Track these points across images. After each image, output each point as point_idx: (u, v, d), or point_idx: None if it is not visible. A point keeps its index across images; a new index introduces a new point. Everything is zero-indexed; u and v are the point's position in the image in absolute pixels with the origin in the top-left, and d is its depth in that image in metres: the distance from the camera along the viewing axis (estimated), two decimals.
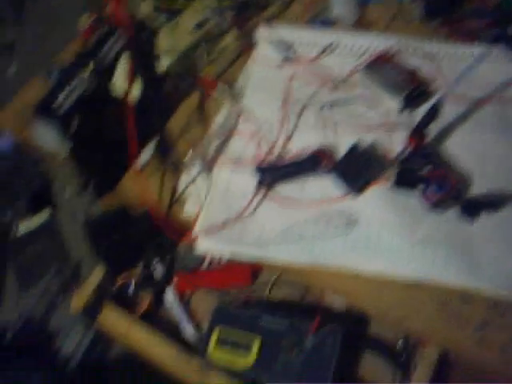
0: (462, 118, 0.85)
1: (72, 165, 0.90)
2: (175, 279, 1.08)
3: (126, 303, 1.08)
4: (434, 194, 0.76)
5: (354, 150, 0.83)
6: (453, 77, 0.93)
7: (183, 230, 0.90)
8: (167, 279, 1.11)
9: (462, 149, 0.84)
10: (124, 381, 1.37)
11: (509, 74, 0.93)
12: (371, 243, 0.79)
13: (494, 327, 0.72)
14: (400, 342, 0.90)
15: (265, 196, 0.86)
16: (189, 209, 0.89)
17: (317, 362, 0.86)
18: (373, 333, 0.94)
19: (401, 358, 0.88)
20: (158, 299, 1.17)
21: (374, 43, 1.00)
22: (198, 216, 0.87)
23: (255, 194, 0.85)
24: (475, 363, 0.72)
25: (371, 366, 0.91)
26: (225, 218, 0.85)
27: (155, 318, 1.08)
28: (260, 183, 0.86)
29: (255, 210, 0.85)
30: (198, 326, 1.06)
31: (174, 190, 0.91)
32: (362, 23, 1.07)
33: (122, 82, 0.92)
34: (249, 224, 0.84)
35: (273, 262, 0.82)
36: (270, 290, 1.12)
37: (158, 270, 1.15)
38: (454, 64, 0.96)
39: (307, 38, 1.03)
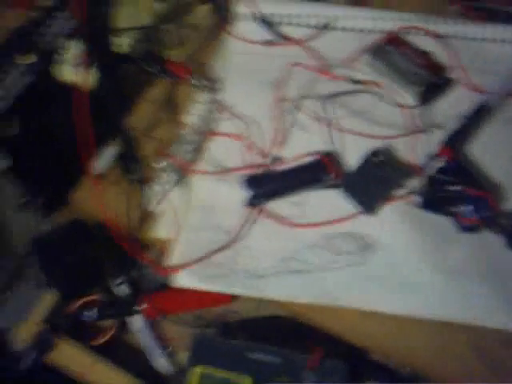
0: (496, 122, 0.70)
1: (12, 179, 0.70)
2: (143, 302, 0.91)
3: (84, 333, 0.91)
4: (469, 216, 0.61)
5: (367, 160, 0.67)
6: (471, 64, 0.78)
7: (156, 254, 0.73)
8: (134, 302, 0.94)
9: (500, 161, 0.69)
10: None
11: None
12: (392, 273, 0.64)
13: None
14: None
15: (257, 216, 0.69)
16: (161, 228, 0.71)
17: None
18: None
19: None
20: (124, 326, 1.00)
21: (378, 21, 0.83)
22: (173, 239, 0.69)
23: (246, 213, 0.68)
24: None
25: None
26: (208, 243, 0.68)
27: (120, 348, 0.92)
28: (250, 200, 0.69)
29: (246, 233, 0.68)
30: (170, 355, 0.90)
31: (142, 203, 0.73)
32: None
33: (72, 69, 0.72)
34: (239, 252, 0.67)
35: (271, 299, 0.65)
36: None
37: (123, 291, 0.97)
38: (471, 48, 0.81)
39: (297, 14, 0.85)
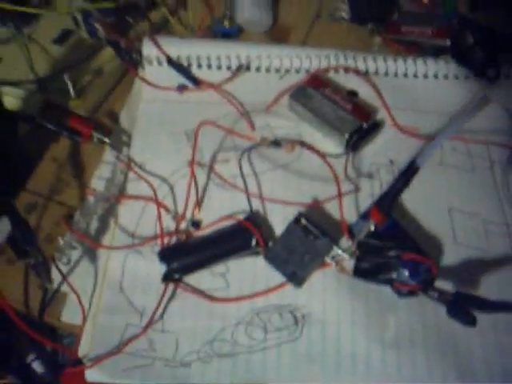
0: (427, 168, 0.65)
1: None
2: (61, 381, 0.81)
3: None
4: (405, 282, 0.56)
5: (290, 227, 0.60)
6: (396, 102, 0.73)
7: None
8: (50, 382, 0.84)
9: (432, 216, 0.64)
10: None
11: (462, 96, 0.75)
12: (327, 348, 0.58)
13: None
14: None
15: (175, 292, 0.61)
16: (68, 313, 0.62)
17: None
18: None
19: None
20: None
21: (296, 59, 0.77)
22: (80, 325, 0.60)
23: (163, 292, 0.60)
24: None
25: None
26: (121, 328, 0.59)
27: None
28: (166, 274, 0.61)
29: (163, 314, 0.60)
30: None
31: (44, 286, 0.63)
32: (275, 32, 0.84)
33: None
34: (157, 336, 0.59)
35: None
36: None
37: (37, 369, 0.87)
38: (393, 85, 0.76)
39: (209, 55, 0.77)
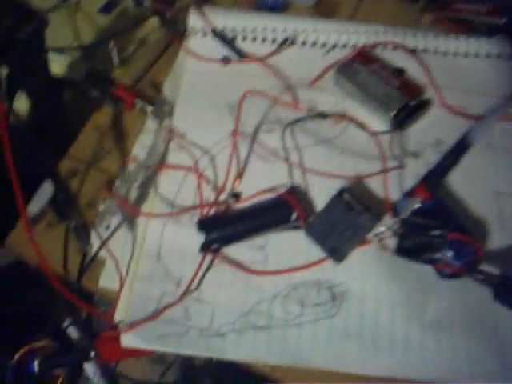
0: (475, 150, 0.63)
1: None
2: (95, 346, 0.82)
3: None
4: (450, 263, 0.54)
5: (333, 201, 0.59)
6: (445, 81, 0.71)
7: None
8: (84, 347, 0.85)
9: (482, 196, 0.62)
10: None
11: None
12: (364, 328, 0.57)
13: None
14: None
15: (213, 263, 0.61)
16: (104, 278, 0.63)
17: None
18: None
19: None
20: (75, 374, 0.91)
21: (343, 34, 0.75)
22: (118, 291, 0.60)
23: (201, 261, 0.60)
24: None
25: None
26: (158, 296, 0.59)
27: None
28: (204, 244, 0.61)
29: (200, 284, 0.60)
30: None
31: (84, 249, 0.64)
32: (323, 6, 0.82)
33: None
34: (192, 306, 0.59)
35: (230, 360, 0.57)
36: None
37: (71, 335, 0.88)
38: (445, 64, 0.74)
39: (255, 28, 0.76)
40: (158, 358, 0.96)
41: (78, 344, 0.87)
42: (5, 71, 0.58)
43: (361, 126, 0.66)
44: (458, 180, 0.63)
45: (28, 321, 0.81)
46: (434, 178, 0.55)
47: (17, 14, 0.59)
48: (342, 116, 0.66)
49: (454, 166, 0.54)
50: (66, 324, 0.86)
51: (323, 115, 0.65)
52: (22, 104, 0.67)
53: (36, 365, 0.65)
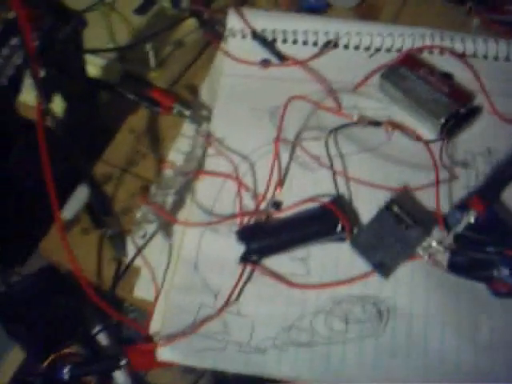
0: None
1: None
2: (125, 354, 0.80)
3: None
4: (506, 282, 0.51)
5: (381, 213, 0.56)
6: (495, 88, 0.67)
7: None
8: (114, 355, 0.83)
9: None
10: None
11: None
12: (413, 347, 0.54)
13: None
14: None
15: (252, 275, 0.58)
16: (141, 287, 0.61)
17: None
18: None
19: None
20: (105, 382, 0.90)
21: (388, 37, 0.72)
22: (154, 301, 0.58)
23: (241, 273, 0.58)
24: None
25: None
26: (195, 308, 0.57)
27: None
28: (244, 255, 0.58)
29: (239, 296, 0.57)
30: None
31: (119, 257, 0.62)
32: (365, 8, 0.79)
33: (33, 99, 0.61)
34: (232, 319, 0.56)
35: (271, 376, 0.55)
36: None
37: (102, 341, 0.87)
38: (495, 69, 0.70)
39: (295, 30, 0.73)
40: (189, 368, 0.94)
41: (108, 351, 0.85)
42: (42, 72, 0.57)
43: (410, 133, 0.62)
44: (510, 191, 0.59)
45: (58, 327, 0.79)
46: (492, 190, 0.52)
47: (55, 14, 0.57)
48: (393, 124, 0.63)
49: None
50: (95, 331, 0.85)
51: (375, 123, 0.62)
52: (57, 106, 0.66)
53: (66, 372, 0.63)
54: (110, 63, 0.74)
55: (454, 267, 0.53)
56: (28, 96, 0.65)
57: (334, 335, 0.55)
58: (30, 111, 0.66)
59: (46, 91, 0.58)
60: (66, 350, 0.82)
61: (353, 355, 0.54)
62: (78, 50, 0.64)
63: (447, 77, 0.68)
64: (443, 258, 0.55)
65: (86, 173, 0.58)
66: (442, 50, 0.71)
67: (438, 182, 0.59)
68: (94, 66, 0.73)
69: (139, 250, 0.61)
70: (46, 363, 0.80)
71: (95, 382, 0.84)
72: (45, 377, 0.78)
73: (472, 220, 0.53)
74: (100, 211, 0.57)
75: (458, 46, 0.71)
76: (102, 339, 0.86)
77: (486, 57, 0.71)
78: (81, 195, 0.66)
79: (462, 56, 0.70)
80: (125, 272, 0.62)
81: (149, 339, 0.58)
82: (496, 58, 0.71)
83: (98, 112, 0.70)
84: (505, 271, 0.52)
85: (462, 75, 0.70)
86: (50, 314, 0.76)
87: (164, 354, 0.55)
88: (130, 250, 0.62)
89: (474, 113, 0.65)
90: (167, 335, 0.56)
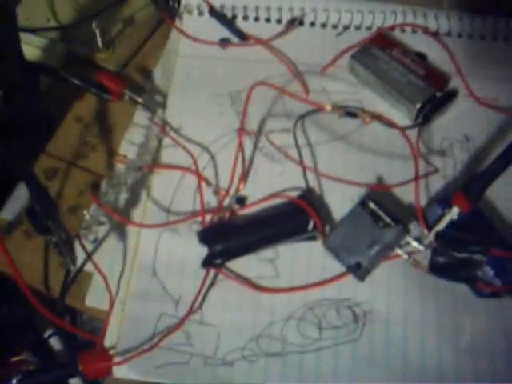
0: None
1: None
2: (80, 360, 0.74)
3: None
4: (490, 282, 0.47)
5: (354, 211, 0.52)
6: (472, 70, 0.64)
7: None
8: (68, 361, 0.78)
9: None
10: None
11: None
12: (392, 353, 0.50)
13: None
14: None
15: (216, 279, 0.53)
16: (93, 295, 0.55)
17: None
18: None
19: None
20: None
21: (357, 14, 0.67)
22: (107, 311, 0.52)
23: (204, 278, 0.52)
24: None
25: None
26: (155, 318, 0.52)
27: None
28: (207, 259, 0.53)
29: (202, 303, 0.52)
30: None
31: (63, 263, 0.56)
32: None
33: None
34: (196, 331, 0.51)
35: None
36: None
37: (55, 347, 0.81)
38: (471, 48, 0.66)
39: (257, 6, 0.68)
40: None
41: (62, 357, 0.79)
42: None
43: (391, 123, 0.58)
44: (497, 189, 0.54)
45: (4, 336, 0.73)
46: (477, 187, 0.47)
47: None
48: (371, 115, 0.58)
49: (504, 171, 0.46)
50: (47, 335, 0.78)
51: (352, 113, 0.57)
52: None
53: (14, 383, 0.56)
54: (51, 44, 0.67)
55: (435, 268, 0.49)
56: None
57: (307, 343, 0.51)
58: None
59: None
60: (15, 358, 0.76)
61: (328, 364, 0.50)
62: (13, 30, 0.56)
63: (421, 57, 0.64)
64: (424, 257, 0.51)
65: (25, 169, 0.51)
66: (415, 28, 0.66)
67: (417, 176, 0.54)
68: (33, 48, 0.66)
69: (89, 256, 0.55)
70: None
71: None
72: None
73: (455, 217, 0.48)
74: (44, 216, 0.50)
75: (432, 24, 0.67)
76: (55, 343, 0.80)
77: (460, 35, 0.67)
78: (20, 195, 0.59)
79: (435, 34, 0.67)
80: (74, 279, 0.56)
81: (104, 351, 0.53)
82: (471, 36, 0.67)
83: (39, 99, 0.63)
84: (490, 272, 0.48)
85: (435, 55, 0.66)
86: None
87: (121, 372, 0.50)
88: (80, 254, 0.56)
89: (450, 97, 0.61)
90: (124, 350, 0.50)
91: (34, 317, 0.78)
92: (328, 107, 0.58)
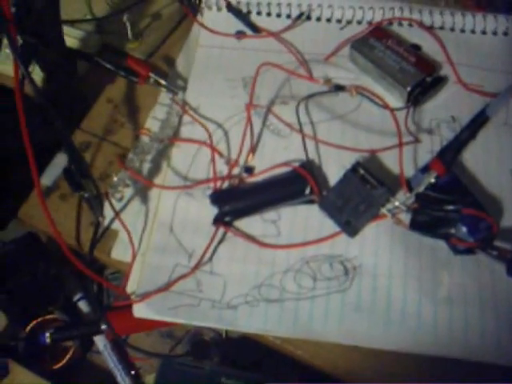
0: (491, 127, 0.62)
1: None
2: (105, 319, 0.82)
3: (42, 356, 0.83)
4: (464, 239, 0.54)
5: (347, 176, 0.59)
6: (462, 60, 0.70)
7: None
8: (94, 320, 0.86)
9: (494, 175, 0.62)
10: None
11: None
12: (377, 302, 0.57)
13: None
14: None
15: (225, 236, 0.61)
16: (118, 249, 0.63)
17: None
18: None
19: None
20: (89, 345, 0.92)
21: (359, 10, 0.75)
22: (130, 262, 0.60)
23: (214, 234, 0.60)
24: None
25: None
26: (170, 267, 0.59)
27: (85, 370, 0.84)
28: (217, 217, 0.60)
29: (212, 256, 0.60)
30: (137, 376, 0.83)
31: (96, 221, 0.64)
32: None
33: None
34: (204, 278, 0.59)
35: (242, 332, 0.58)
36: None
37: (82, 308, 0.89)
38: (462, 41, 0.73)
39: (269, 2, 0.76)
40: (168, 333, 0.97)
41: (89, 317, 0.88)
42: (20, 40, 0.58)
43: (377, 99, 0.65)
44: (473, 157, 0.62)
45: (39, 294, 0.81)
46: (450, 153, 0.54)
47: None
48: (357, 88, 0.65)
49: (470, 140, 0.53)
50: (76, 298, 0.87)
51: (340, 87, 0.64)
52: (36, 76, 0.67)
53: (47, 336, 0.65)
54: (87, 35, 0.75)
55: (416, 225, 0.56)
56: (5, 66, 0.67)
57: (303, 292, 0.57)
58: (8, 81, 0.68)
59: (23, 59, 0.59)
60: (48, 316, 0.85)
61: (320, 310, 0.57)
62: (57, 20, 0.65)
63: (415, 48, 0.70)
64: (406, 217, 0.58)
65: (65, 136, 0.59)
66: (411, 23, 0.73)
67: (401, 145, 0.61)
68: (72, 38, 0.74)
69: (116, 213, 0.63)
70: (27, 328, 0.83)
71: (76, 346, 0.87)
72: (27, 341, 0.81)
73: (432, 180, 0.55)
74: (78, 173, 0.59)
75: (426, 19, 0.73)
76: (83, 306, 0.89)
77: (452, 29, 0.74)
78: (60, 162, 0.68)
79: (429, 28, 0.73)
80: (102, 235, 0.64)
81: (127, 299, 0.61)
82: (462, 31, 0.73)
83: (76, 82, 0.71)
84: (463, 229, 0.54)
85: (429, 47, 0.72)
86: (30, 280, 0.78)
87: (139, 310, 0.58)
88: (108, 213, 0.64)
89: (439, 82, 0.67)
90: (143, 293, 0.58)
91: (65, 279, 0.86)
92: (321, 81, 0.65)
